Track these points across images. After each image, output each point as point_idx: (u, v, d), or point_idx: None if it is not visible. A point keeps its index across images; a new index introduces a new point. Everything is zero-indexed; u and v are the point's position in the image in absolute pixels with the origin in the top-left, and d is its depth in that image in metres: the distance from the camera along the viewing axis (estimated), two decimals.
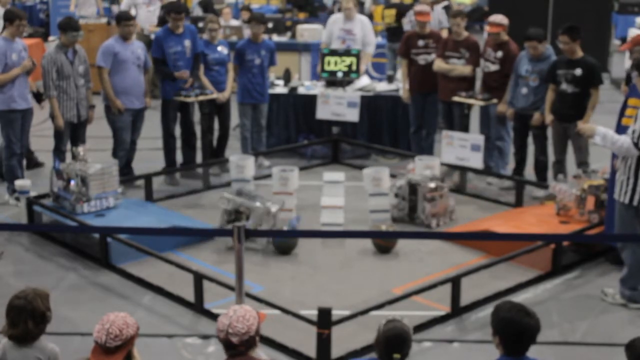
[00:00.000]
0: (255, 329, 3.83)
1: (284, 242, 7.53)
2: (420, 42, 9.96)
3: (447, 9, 12.86)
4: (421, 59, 9.95)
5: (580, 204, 7.62)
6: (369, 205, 8.17)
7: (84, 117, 8.97)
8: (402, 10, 13.80)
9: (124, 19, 9.17)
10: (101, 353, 3.77)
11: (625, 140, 6.24)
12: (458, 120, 9.71)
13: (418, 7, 10.32)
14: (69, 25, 8.70)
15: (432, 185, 8.22)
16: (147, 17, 13.68)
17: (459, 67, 9.56)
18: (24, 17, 8.71)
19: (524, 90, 9.00)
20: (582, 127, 6.78)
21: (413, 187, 8.27)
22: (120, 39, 9.13)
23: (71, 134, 8.96)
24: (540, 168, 9.14)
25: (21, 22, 8.56)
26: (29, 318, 4.05)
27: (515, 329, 3.82)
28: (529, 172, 9.40)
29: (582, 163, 8.59)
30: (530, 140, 9.25)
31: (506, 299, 4.13)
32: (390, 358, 3.87)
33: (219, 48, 9.84)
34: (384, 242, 7.60)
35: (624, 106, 6.82)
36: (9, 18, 8.52)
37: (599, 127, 6.49)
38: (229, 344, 3.80)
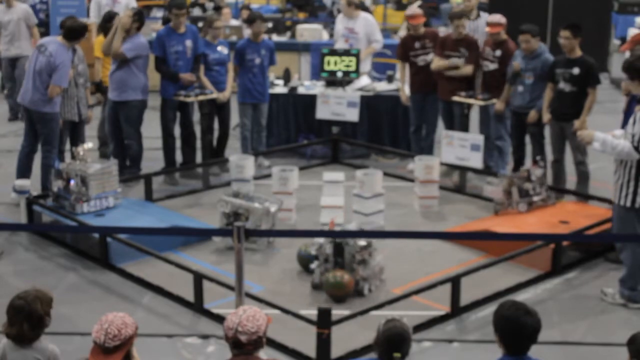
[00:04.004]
0: (263, 330, 3.83)
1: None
2: (417, 44, 9.94)
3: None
4: (420, 60, 9.95)
5: (508, 197, 8.08)
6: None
7: (84, 115, 9.01)
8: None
9: (105, 21, 9.56)
10: (100, 353, 3.77)
11: (625, 144, 6.24)
12: (458, 120, 9.72)
13: (409, 11, 10.15)
14: (85, 30, 8.77)
15: (362, 243, 6.80)
16: None
17: (455, 60, 9.54)
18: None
19: (520, 88, 9.02)
20: (580, 133, 6.75)
21: (339, 247, 6.78)
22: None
23: (71, 133, 8.98)
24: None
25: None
26: (25, 320, 4.04)
27: (514, 327, 3.83)
28: None
29: (580, 163, 8.59)
30: (528, 139, 9.26)
31: (507, 299, 4.13)
32: (390, 357, 3.87)
33: (219, 48, 9.84)
34: (338, 292, 6.63)
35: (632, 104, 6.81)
36: (82, 34, 8.60)
37: (597, 132, 6.48)
38: (237, 343, 3.79)
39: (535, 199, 8.19)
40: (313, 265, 6.85)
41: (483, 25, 9.98)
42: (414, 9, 10.19)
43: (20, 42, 12.24)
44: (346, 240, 6.75)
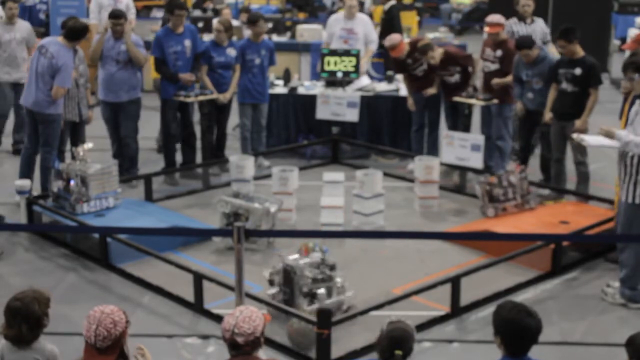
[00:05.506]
0: (260, 330, 3.83)
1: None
2: (408, 61, 9.91)
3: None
4: (419, 72, 9.93)
5: (484, 202, 8.24)
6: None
7: (85, 116, 9.03)
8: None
9: (111, 17, 9.25)
10: (94, 354, 3.77)
11: None
12: (461, 120, 9.75)
13: (388, 43, 9.92)
14: (86, 30, 8.74)
15: (310, 274, 6.04)
16: None
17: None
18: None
19: (530, 94, 9.05)
20: (604, 129, 6.56)
21: (287, 275, 6.09)
22: (112, 35, 9.26)
23: (71, 133, 9.00)
24: (546, 165, 9.14)
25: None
26: (23, 322, 4.02)
27: (516, 329, 3.82)
28: (532, 172, 9.39)
29: (580, 163, 8.59)
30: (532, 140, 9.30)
31: (506, 299, 4.13)
32: (392, 354, 3.87)
33: (228, 51, 9.82)
34: (303, 340, 5.78)
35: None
36: (84, 35, 8.55)
37: (619, 130, 6.37)
38: (235, 344, 3.80)
39: (507, 204, 8.21)
40: (269, 292, 6.22)
41: (537, 31, 9.99)
42: (392, 39, 9.89)
43: (21, 66, 10.38)
44: (294, 269, 6.04)
